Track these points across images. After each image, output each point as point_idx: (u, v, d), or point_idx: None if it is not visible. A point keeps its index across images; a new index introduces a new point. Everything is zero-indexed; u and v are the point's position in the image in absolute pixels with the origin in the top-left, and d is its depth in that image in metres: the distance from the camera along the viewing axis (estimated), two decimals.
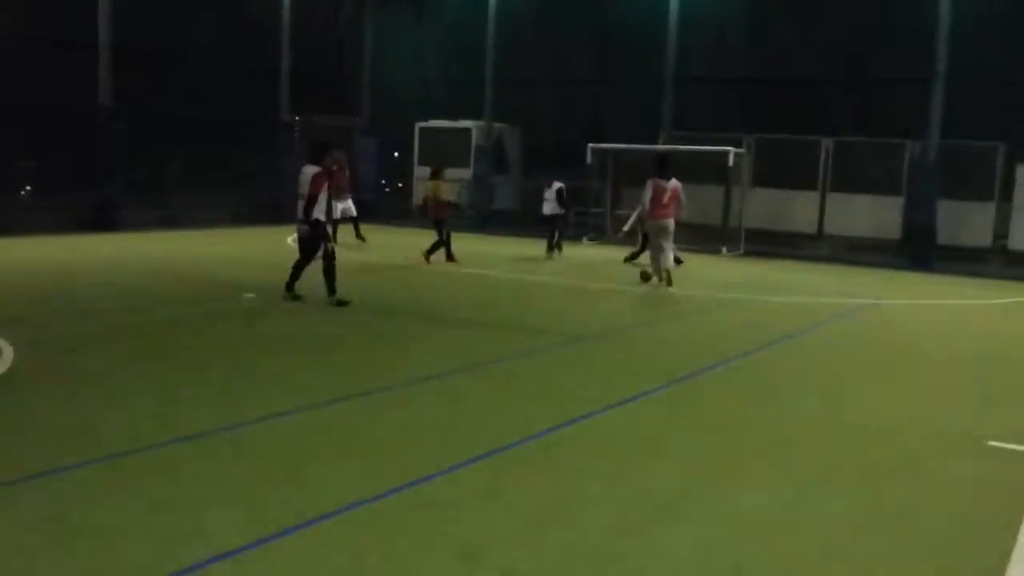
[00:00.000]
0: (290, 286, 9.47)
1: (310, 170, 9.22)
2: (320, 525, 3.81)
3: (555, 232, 15.38)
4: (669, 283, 11.67)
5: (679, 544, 3.84)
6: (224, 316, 8.83)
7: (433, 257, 13.42)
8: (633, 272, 13.07)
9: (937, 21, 16.63)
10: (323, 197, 9.18)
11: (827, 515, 4.24)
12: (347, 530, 3.81)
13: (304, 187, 9.16)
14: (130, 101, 17.82)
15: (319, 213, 9.20)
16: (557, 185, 15.34)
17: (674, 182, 11.95)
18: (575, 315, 9.82)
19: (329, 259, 9.27)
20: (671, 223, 11.81)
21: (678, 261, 13.09)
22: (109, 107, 17.65)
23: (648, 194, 11.83)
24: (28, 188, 17.49)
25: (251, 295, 9.81)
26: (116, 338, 7.54)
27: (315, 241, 9.26)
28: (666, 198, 11.76)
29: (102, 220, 16.98)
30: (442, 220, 13.52)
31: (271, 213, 20.31)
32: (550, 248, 15.36)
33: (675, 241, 12.15)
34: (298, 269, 9.49)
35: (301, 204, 9.21)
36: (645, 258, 13.17)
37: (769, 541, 3.91)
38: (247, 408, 5.49)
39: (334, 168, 12.30)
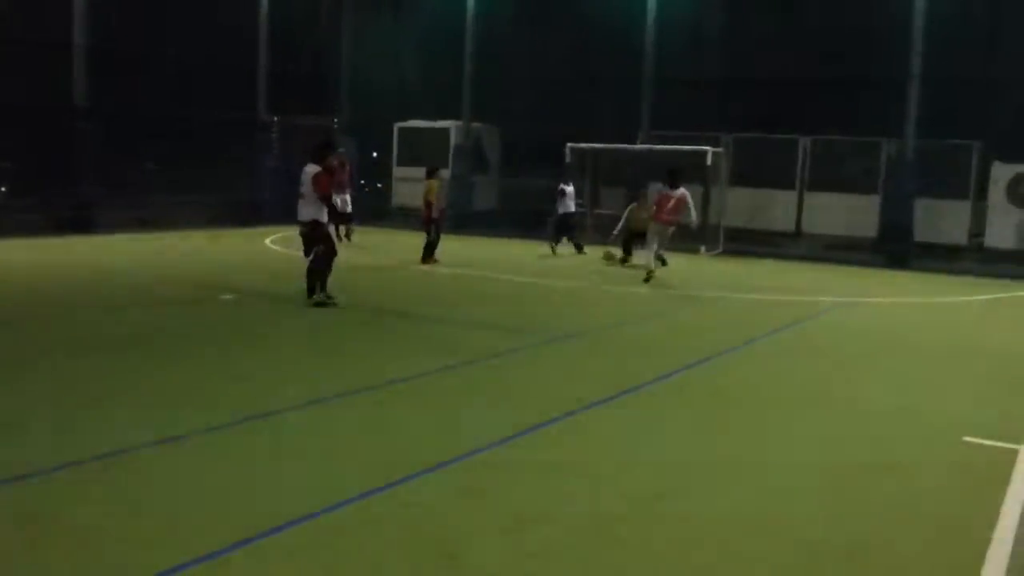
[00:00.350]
0: (312, 291, 9.17)
1: (311, 169, 9.10)
2: (299, 527, 3.77)
3: (574, 230, 16.11)
4: (647, 279, 12.23)
5: (659, 543, 3.83)
6: (202, 317, 8.73)
7: (429, 258, 13.35)
8: (617, 271, 13.08)
9: (912, 20, 16.84)
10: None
11: (805, 512, 4.26)
12: (326, 532, 3.77)
13: (306, 186, 9.04)
14: (106, 101, 17.60)
15: (318, 214, 9.05)
16: (572, 185, 16.38)
17: (681, 191, 12.83)
18: (557, 314, 9.81)
19: (319, 261, 9.11)
20: (670, 229, 12.95)
21: (662, 262, 13.41)
22: (84, 107, 17.42)
23: (654, 200, 13.05)
24: (3, 189, 17.22)
25: (229, 296, 9.73)
26: (92, 340, 7.44)
27: (314, 241, 9.11)
28: (670, 205, 12.69)
29: (78, 221, 16.75)
30: (436, 220, 13.52)
31: (249, 214, 20.14)
32: (578, 247, 15.77)
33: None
34: (313, 273, 9.25)
35: (302, 204, 9.04)
36: (639, 258, 13.44)
37: (749, 539, 3.92)
38: (225, 410, 5.44)
39: (335, 165, 12.33)
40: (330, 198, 9.10)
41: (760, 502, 4.35)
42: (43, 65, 17.15)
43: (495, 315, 9.63)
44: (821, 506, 4.33)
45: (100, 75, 17.67)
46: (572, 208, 15.95)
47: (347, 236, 15.52)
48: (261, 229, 18.06)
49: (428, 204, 13.47)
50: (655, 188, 13.46)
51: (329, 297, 9.18)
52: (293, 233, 17.60)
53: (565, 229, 15.81)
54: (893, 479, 4.79)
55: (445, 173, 19.70)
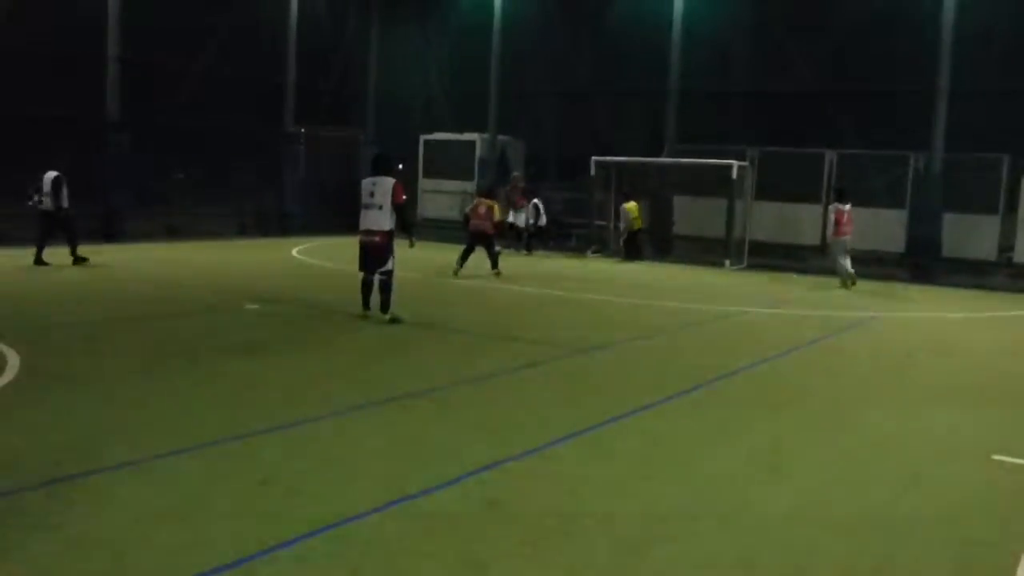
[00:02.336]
0: (387, 307, 9.12)
1: (385, 180, 9.02)
2: (319, 537, 3.80)
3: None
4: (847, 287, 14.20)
5: (681, 557, 3.82)
6: (229, 327, 8.84)
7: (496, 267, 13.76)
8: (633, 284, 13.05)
9: (940, 33, 16.68)
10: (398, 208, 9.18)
11: (832, 527, 4.22)
12: (346, 544, 3.79)
13: (378, 197, 8.97)
14: (137, 114, 17.97)
15: (391, 224, 9.04)
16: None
17: (848, 205, 14.42)
18: (578, 328, 9.80)
19: (391, 275, 9.14)
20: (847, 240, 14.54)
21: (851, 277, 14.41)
22: (115, 119, 17.78)
23: (834, 217, 14.56)
24: (35, 198, 17.55)
25: (254, 306, 9.85)
26: (120, 348, 7.56)
27: (382, 251, 9.09)
28: (845, 219, 14.30)
29: (108, 231, 17.07)
30: (492, 235, 14.05)
31: (276, 224, 20.39)
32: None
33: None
34: (369, 285, 9.26)
35: (370, 214, 9.01)
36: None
37: (774, 553, 3.89)
38: (251, 419, 5.49)
39: (514, 187, 14.66)
40: (402, 208, 9.12)
41: (785, 519, 4.32)
42: (76, 78, 17.55)
43: (523, 327, 9.64)
44: (845, 523, 4.28)
45: (132, 88, 18.05)
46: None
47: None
48: (288, 240, 18.28)
49: (497, 221, 14.33)
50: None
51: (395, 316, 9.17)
52: (320, 244, 17.94)
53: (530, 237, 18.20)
54: (920, 497, 4.73)
55: (456, 185, 20.41)
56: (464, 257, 13.69)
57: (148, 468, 4.55)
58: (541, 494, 4.46)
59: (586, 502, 4.38)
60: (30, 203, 12.86)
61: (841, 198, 14.50)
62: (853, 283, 14.21)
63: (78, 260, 12.89)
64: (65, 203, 12.80)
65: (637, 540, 3.96)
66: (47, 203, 12.73)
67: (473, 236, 13.89)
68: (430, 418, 5.83)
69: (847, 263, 14.27)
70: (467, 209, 15.20)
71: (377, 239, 9.05)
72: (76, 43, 17.41)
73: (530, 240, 18.30)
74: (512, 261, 15.60)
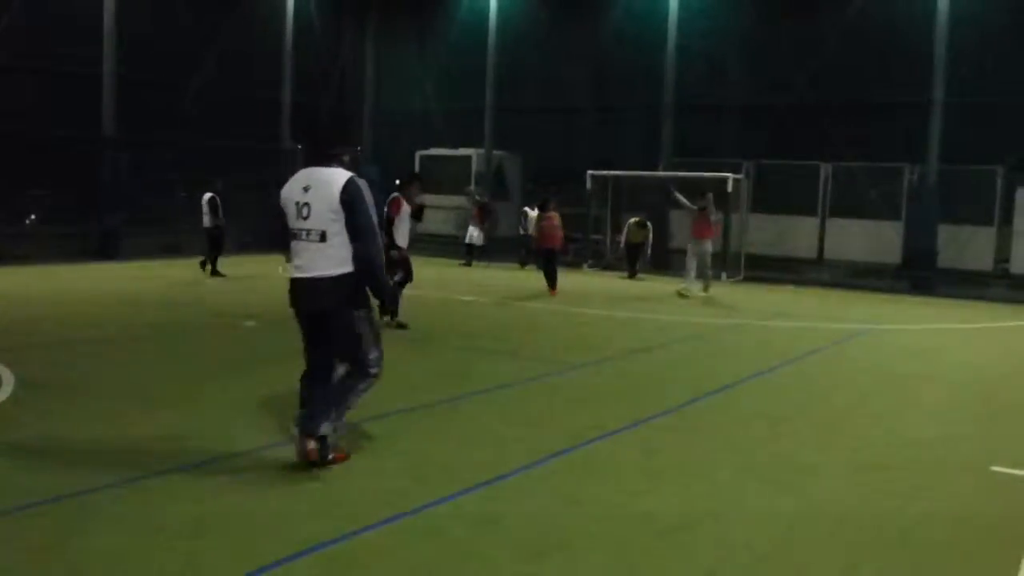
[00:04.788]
0: (394, 314, 9.40)
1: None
2: (314, 555, 3.76)
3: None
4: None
5: (682, 571, 3.79)
6: (227, 344, 8.82)
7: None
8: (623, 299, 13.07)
9: (934, 45, 16.81)
10: (399, 222, 9.38)
11: (833, 539, 4.19)
12: (344, 561, 3.77)
13: (402, 213, 9.39)
14: (134, 131, 18.01)
15: (405, 240, 9.44)
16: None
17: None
18: (575, 341, 9.80)
19: (399, 288, 9.44)
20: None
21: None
22: (113, 137, 17.82)
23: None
24: (33, 217, 17.63)
25: (252, 323, 9.83)
26: (117, 366, 7.53)
27: (406, 264, 9.51)
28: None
29: (105, 249, 17.07)
30: (556, 250, 13.95)
31: (272, 241, 20.36)
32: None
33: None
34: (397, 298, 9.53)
35: (396, 231, 9.36)
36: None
37: (774, 568, 3.86)
38: (247, 437, 5.46)
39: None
40: (392, 223, 9.44)
41: (785, 531, 4.29)
42: (74, 96, 17.62)
43: (522, 342, 9.63)
44: (846, 535, 4.26)
45: (129, 106, 18.12)
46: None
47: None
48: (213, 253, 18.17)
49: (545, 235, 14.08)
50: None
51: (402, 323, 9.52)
52: None
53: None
54: (919, 507, 4.71)
55: (453, 200, 20.31)
56: (550, 276, 13.66)
57: (150, 484, 4.53)
58: (539, 510, 4.43)
59: (585, 518, 4.36)
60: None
61: (702, 199, 13.90)
62: (706, 290, 13.84)
63: (216, 273, 14.41)
64: (219, 220, 14.34)
65: (637, 554, 3.93)
66: (206, 220, 14.41)
67: (545, 253, 13.89)
68: (426, 433, 5.80)
69: (707, 270, 13.78)
70: (529, 229, 15.30)
71: (400, 254, 9.40)
72: (73, 62, 17.47)
73: (526, 255, 18.21)
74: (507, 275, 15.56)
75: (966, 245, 16.54)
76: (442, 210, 21.28)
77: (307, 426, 4.68)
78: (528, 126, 21.79)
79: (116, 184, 17.42)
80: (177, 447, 5.22)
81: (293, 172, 5.02)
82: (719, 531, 4.25)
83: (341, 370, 4.86)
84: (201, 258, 14.79)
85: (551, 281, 13.69)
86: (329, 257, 4.58)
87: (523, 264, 18.09)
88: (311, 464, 4.73)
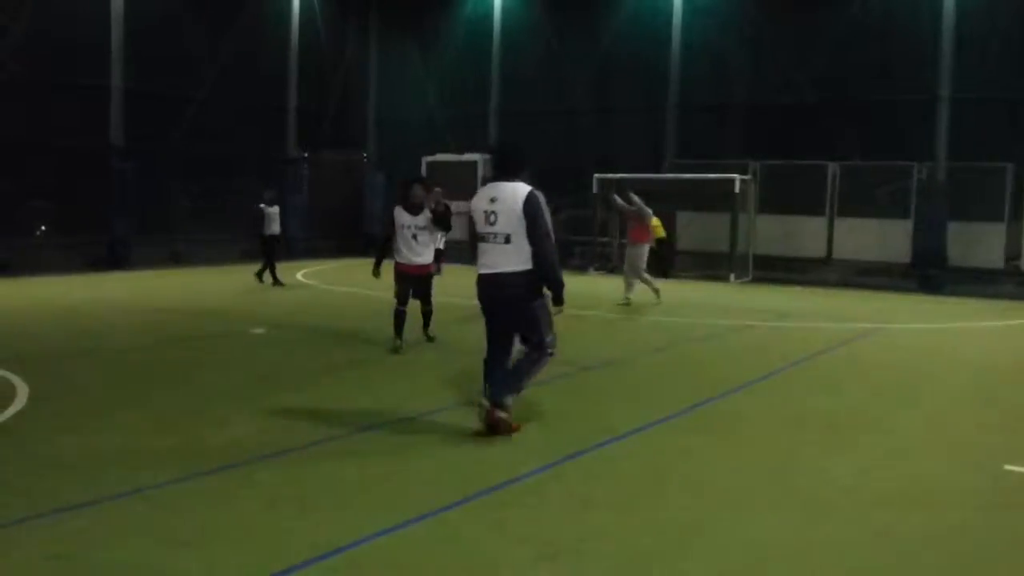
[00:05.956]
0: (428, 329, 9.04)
1: (423, 211, 8.58)
2: (326, 562, 3.75)
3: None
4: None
5: (690, 575, 3.75)
6: (234, 352, 8.82)
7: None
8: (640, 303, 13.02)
9: (941, 41, 16.70)
10: (397, 238, 8.52)
11: (842, 541, 4.14)
12: (354, 566, 3.75)
13: (422, 228, 8.50)
14: (140, 140, 18.10)
15: (431, 257, 8.73)
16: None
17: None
18: (586, 343, 9.76)
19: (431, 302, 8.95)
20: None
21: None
22: (120, 147, 17.91)
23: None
24: (43, 228, 17.74)
25: (260, 330, 9.83)
26: (127, 376, 7.54)
27: (428, 284, 8.78)
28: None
29: (113, 258, 17.14)
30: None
31: (280, 250, 20.40)
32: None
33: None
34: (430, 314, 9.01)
35: (416, 247, 8.50)
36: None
37: (785, 569, 3.82)
38: (256, 444, 5.45)
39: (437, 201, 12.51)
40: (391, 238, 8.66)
41: (792, 533, 4.25)
42: (81, 107, 17.72)
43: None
44: (862, 534, 4.21)
45: (135, 115, 18.21)
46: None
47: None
48: (291, 264, 18.29)
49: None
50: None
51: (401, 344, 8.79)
52: (325, 268, 17.96)
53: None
54: (930, 507, 4.65)
55: (458, 207, 19.97)
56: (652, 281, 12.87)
57: (159, 493, 4.52)
58: (551, 513, 4.40)
59: (597, 520, 4.32)
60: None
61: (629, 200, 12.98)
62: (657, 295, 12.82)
63: (277, 282, 14.36)
64: (272, 231, 14.44)
65: (649, 559, 3.90)
66: (265, 230, 14.46)
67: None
68: (435, 439, 5.78)
69: (641, 275, 12.73)
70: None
71: (423, 272, 8.69)
72: (81, 74, 17.57)
73: None
74: None
75: (976, 243, 16.42)
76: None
77: (496, 397, 5.53)
78: (532, 130, 21.77)
79: (123, 194, 17.49)
80: (189, 456, 5.22)
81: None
82: (731, 534, 4.21)
83: (517, 351, 5.73)
84: (258, 268, 14.59)
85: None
86: (513, 256, 5.46)
87: None
88: (494, 431, 5.49)
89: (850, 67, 17.81)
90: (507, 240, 5.47)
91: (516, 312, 5.59)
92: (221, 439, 5.61)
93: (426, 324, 9.02)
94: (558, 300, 5.55)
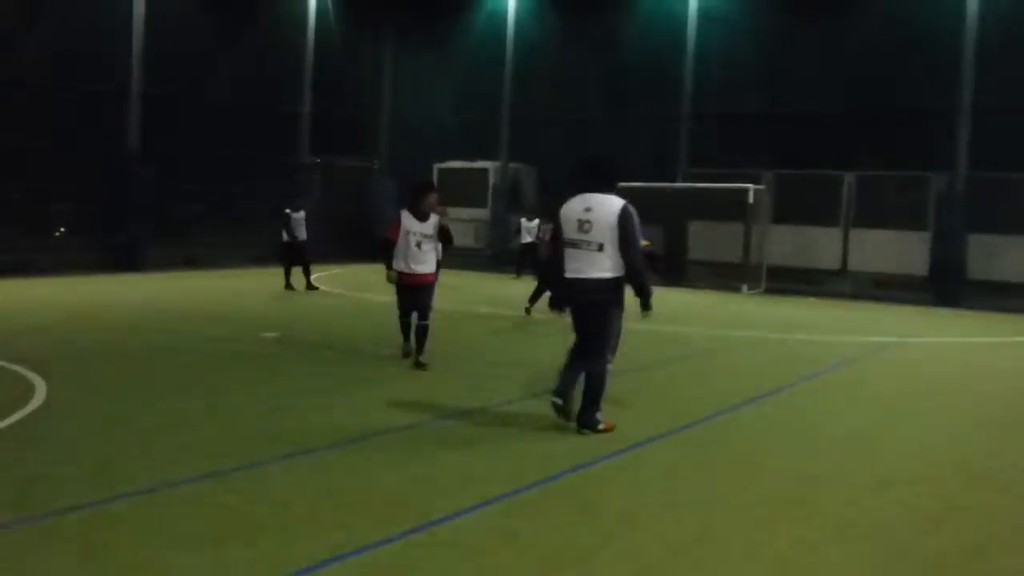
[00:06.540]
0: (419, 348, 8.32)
1: (430, 219, 8.14)
2: (334, 567, 3.69)
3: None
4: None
5: None
6: (246, 355, 8.78)
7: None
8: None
9: (962, 48, 16.44)
10: (400, 244, 8.04)
11: (860, 558, 4.02)
12: (361, 574, 3.68)
13: (429, 235, 8.07)
14: (157, 145, 18.20)
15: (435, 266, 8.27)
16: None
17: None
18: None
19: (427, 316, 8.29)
20: None
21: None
22: (137, 151, 18.02)
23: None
24: (62, 229, 17.90)
25: (272, 334, 9.80)
26: (143, 376, 7.53)
27: (430, 295, 8.23)
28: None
29: (129, 261, 17.23)
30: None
31: (306, 255, 20.43)
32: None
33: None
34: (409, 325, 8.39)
35: (422, 255, 8.07)
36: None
37: None
38: (269, 447, 5.41)
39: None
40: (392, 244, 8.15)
41: (808, 549, 4.13)
42: (101, 112, 17.87)
43: (534, 355, 9.50)
44: (873, 555, 4.08)
45: (152, 120, 18.33)
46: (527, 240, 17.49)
47: None
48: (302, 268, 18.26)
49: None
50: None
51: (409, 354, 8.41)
52: (335, 273, 17.95)
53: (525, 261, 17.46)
54: (949, 526, 4.53)
55: (470, 213, 19.84)
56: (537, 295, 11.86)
57: (175, 492, 4.49)
58: (558, 524, 4.32)
59: (605, 531, 4.23)
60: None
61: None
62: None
63: (311, 287, 14.43)
64: (297, 236, 14.38)
65: (658, 571, 3.80)
66: (292, 235, 14.43)
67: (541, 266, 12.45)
68: (444, 447, 5.69)
69: None
70: (541, 236, 14.68)
71: (428, 281, 8.20)
72: (100, 79, 17.71)
73: (522, 261, 17.94)
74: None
75: (996, 255, 16.15)
76: (459, 223, 21.26)
77: (586, 422, 5.95)
78: (544, 137, 21.73)
79: (140, 197, 17.58)
80: (203, 455, 5.17)
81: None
82: (737, 547, 4.10)
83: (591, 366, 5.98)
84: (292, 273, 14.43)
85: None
86: (603, 263, 5.80)
87: (518, 274, 17.93)
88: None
89: (867, 74, 17.59)
90: (600, 248, 5.79)
91: (595, 314, 5.91)
92: (235, 440, 5.57)
93: (420, 346, 8.19)
94: (646, 305, 5.94)
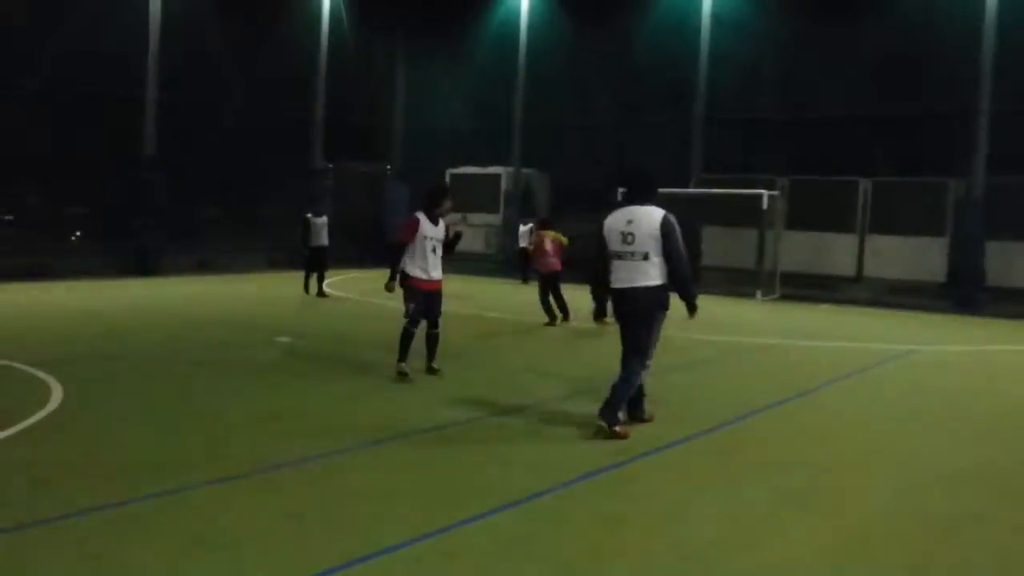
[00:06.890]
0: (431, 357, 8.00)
1: (441, 222, 7.84)
2: (347, 572, 3.66)
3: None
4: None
5: None
6: (260, 360, 8.77)
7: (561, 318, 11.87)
8: None
9: (981, 52, 16.26)
10: (412, 248, 7.68)
11: (875, 565, 3.94)
12: None
13: (440, 240, 7.77)
14: (172, 151, 18.31)
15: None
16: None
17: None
18: (607, 361, 9.57)
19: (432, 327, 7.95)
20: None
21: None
22: (151, 157, 18.13)
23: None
24: (78, 234, 18.03)
25: (285, 339, 9.80)
26: (156, 379, 7.55)
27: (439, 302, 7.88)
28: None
29: (143, 265, 17.32)
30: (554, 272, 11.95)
31: (305, 258, 20.49)
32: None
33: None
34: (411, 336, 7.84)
35: (435, 260, 7.72)
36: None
37: None
38: (281, 450, 5.40)
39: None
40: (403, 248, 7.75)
41: (817, 559, 4.05)
42: (117, 118, 18.01)
43: (548, 361, 9.44)
44: (894, 565, 4.00)
45: (167, 126, 18.44)
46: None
47: None
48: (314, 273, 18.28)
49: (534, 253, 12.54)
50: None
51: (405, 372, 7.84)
52: (349, 278, 17.95)
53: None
54: (970, 533, 4.44)
55: (482, 218, 19.68)
56: (548, 305, 11.76)
57: (188, 496, 4.48)
58: (574, 530, 4.27)
59: (617, 538, 4.18)
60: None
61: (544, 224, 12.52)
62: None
63: (322, 293, 14.33)
64: (319, 241, 14.29)
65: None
66: (313, 240, 14.36)
67: (544, 279, 11.97)
68: (459, 452, 5.65)
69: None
70: (528, 244, 14.47)
71: (437, 287, 7.80)
72: (116, 86, 17.85)
73: (527, 268, 17.69)
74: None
75: (1016, 261, 15.93)
76: (471, 228, 21.26)
77: (604, 414, 6.03)
78: (556, 143, 21.69)
79: (154, 202, 17.69)
80: (216, 458, 5.17)
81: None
82: (751, 554, 4.04)
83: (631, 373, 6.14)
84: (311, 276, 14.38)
85: (546, 309, 11.87)
86: (648, 272, 5.99)
87: (525, 280, 17.82)
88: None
89: (883, 79, 17.45)
90: (645, 257, 5.99)
91: (641, 320, 6.10)
92: (248, 443, 5.56)
93: (432, 353, 7.94)
94: (692, 309, 6.11)
